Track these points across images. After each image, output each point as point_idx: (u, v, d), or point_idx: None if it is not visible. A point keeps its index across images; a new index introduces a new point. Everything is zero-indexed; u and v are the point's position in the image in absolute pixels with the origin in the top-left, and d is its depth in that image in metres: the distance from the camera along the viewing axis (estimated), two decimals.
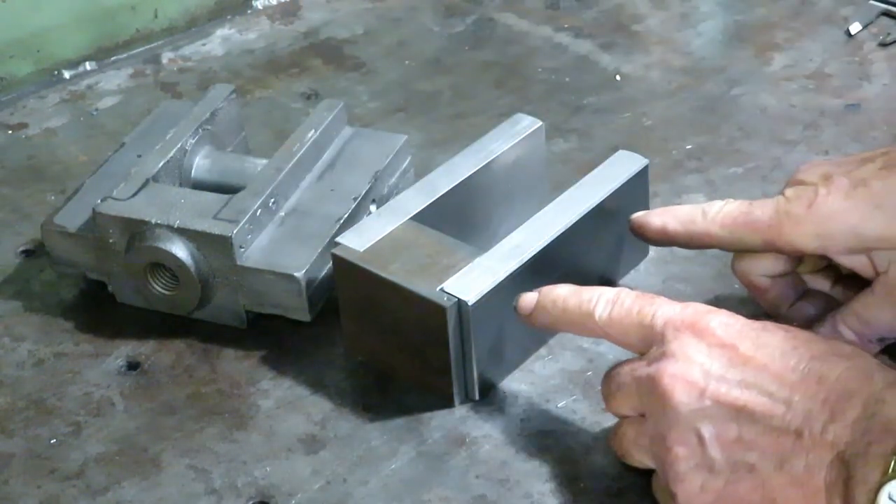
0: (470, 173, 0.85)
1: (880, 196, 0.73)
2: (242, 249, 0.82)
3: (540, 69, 1.11)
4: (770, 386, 0.65)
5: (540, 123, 0.88)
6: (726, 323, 0.68)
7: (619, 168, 0.84)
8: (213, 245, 0.82)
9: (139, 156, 0.91)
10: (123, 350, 0.85)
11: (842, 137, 0.99)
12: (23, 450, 0.79)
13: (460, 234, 0.81)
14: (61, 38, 1.16)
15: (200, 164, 0.91)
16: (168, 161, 0.88)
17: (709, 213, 0.78)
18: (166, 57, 1.18)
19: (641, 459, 0.70)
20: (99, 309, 0.88)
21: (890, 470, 0.59)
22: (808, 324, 0.79)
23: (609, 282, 0.86)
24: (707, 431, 0.65)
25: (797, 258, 0.79)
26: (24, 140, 1.08)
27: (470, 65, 1.13)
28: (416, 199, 0.83)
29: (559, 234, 0.79)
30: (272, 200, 0.85)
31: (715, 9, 1.18)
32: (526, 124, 0.88)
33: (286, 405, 0.80)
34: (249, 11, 1.24)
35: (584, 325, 0.72)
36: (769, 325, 0.68)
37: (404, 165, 0.93)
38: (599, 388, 0.73)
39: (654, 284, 0.86)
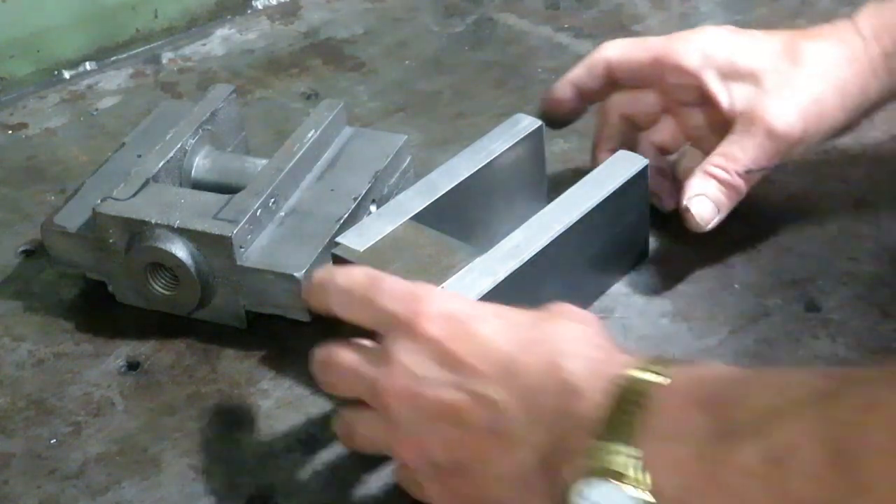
0: (470, 173, 0.85)
1: (761, 39, 0.86)
2: (242, 249, 0.82)
3: (540, 69, 1.11)
4: (476, 385, 0.63)
5: (540, 123, 0.88)
6: (438, 314, 0.66)
7: (619, 168, 0.84)
8: (213, 245, 0.82)
9: (139, 156, 0.91)
10: (123, 350, 0.85)
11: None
12: (23, 450, 0.79)
13: (460, 234, 0.81)
14: (61, 38, 1.16)
15: (200, 164, 0.91)
16: (168, 161, 0.88)
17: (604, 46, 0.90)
18: (166, 57, 1.18)
19: (375, 450, 0.70)
20: (99, 309, 0.88)
21: (585, 465, 0.58)
22: (675, 176, 0.90)
23: (608, 282, 0.86)
24: (426, 435, 0.65)
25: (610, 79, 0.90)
26: (24, 140, 1.08)
27: (470, 65, 1.13)
28: (416, 199, 0.83)
29: (559, 234, 0.79)
30: (272, 200, 0.85)
31: (715, 9, 1.18)
32: (526, 124, 0.88)
33: (286, 405, 0.80)
34: (249, 11, 1.24)
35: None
36: (486, 313, 0.67)
37: (404, 165, 0.93)
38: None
39: (654, 284, 0.86)
